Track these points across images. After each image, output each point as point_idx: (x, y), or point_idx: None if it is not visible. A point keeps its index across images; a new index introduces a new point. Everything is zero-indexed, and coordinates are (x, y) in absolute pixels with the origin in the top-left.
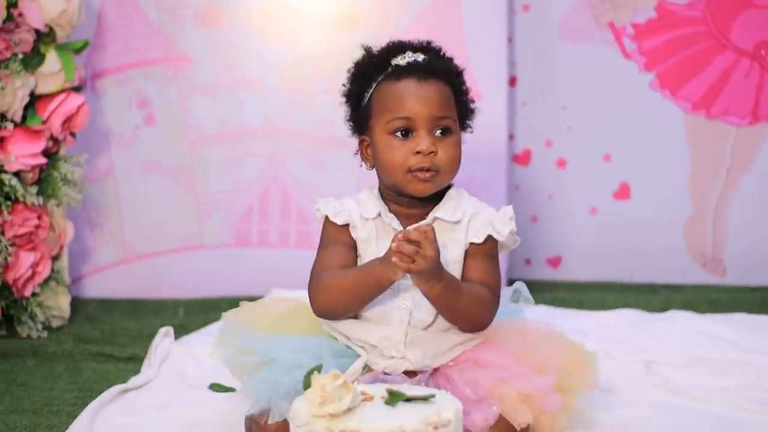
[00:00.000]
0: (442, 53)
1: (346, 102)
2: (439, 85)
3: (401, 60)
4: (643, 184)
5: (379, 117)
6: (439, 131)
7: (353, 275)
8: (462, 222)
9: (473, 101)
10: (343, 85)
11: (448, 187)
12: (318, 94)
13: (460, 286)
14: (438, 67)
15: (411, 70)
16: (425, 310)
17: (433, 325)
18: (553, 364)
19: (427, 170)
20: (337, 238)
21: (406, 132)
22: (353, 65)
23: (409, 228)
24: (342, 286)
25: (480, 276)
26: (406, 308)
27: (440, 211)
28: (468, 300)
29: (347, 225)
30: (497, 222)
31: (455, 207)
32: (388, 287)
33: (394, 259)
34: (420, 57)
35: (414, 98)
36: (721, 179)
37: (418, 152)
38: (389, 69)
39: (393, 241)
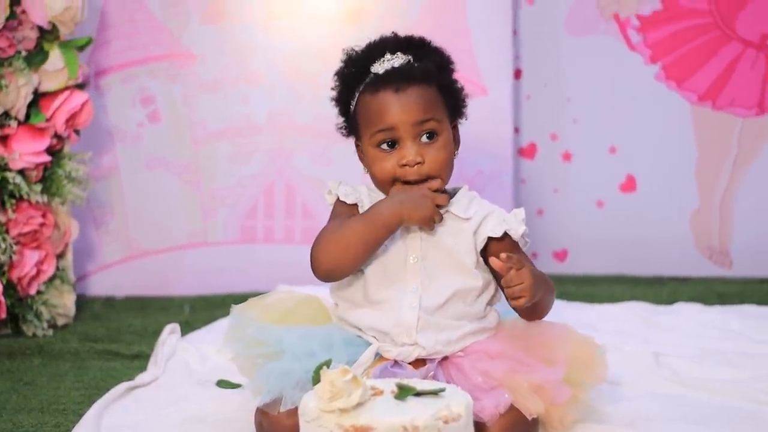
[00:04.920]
0: (425, 48)
1: (336, 106)
2: (419, 90)
3: (379, 67)
4: (649, 177)
5: (364, 130)
6: (425, 136)
7: (358, 218)
8: (473, 220)
9: (462, 89)
10: (332, 89)
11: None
12: (322, 87)
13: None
14: (414, 73)
15: (388, 79)
16: (435, 293)
17: (444, 308)
18: (562, 357)
19: (415, 182)
20: (345, 213)
21: (392, 143)
22: (337, 71)
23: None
24: (345, 232)
25: None
26: (415, 291)
27: (453, 206)
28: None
29: (356, 204)
30: (511, 222)
31: (467, 205)
32: (396, 229)
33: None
34: (398, 61)
35: (393, 109)
36: (727, 171)
37: (404, 164)
38: (368, 78)
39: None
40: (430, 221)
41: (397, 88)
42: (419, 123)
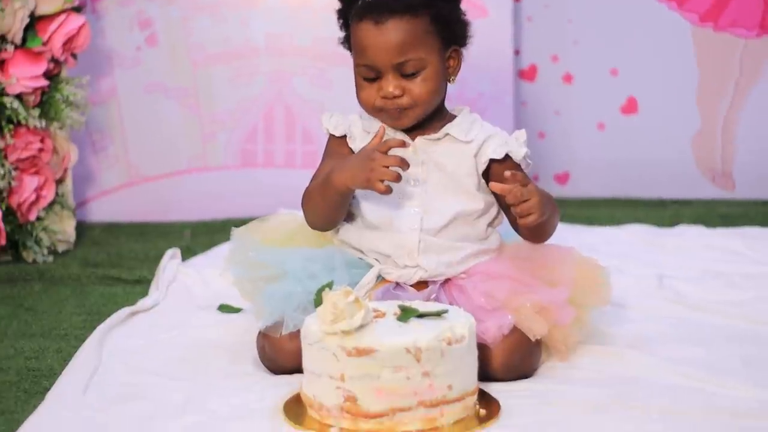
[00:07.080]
0: None
1: (338, 20)
2: (400, 23)
3: None
4: (650, 99)
5: (353, 55)
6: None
7: (320, 182)
8: (474, 143)
9: (462, 16)
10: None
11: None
12: (321, 10)
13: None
14: (396, 6)
15: (371, 8)
16: (436, 215)
17: (446, 230)
18: (566, 279)
19: (393, 109)
20: (334, 150)
21: (375, 77)
22: None
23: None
24: (312, 196)
25: None
26: (416, 213)
27: (453, 128)
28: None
29: (345, 136)
30: (512, 144)
31: (468, 128)
32: (349, 193)
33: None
34: None
35: (373, 45)
36: (729, 92)
37: (384, 96)
38: (359, 2)
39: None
40: (376, 183)
41: (377, 20)
42: (398, 64)
